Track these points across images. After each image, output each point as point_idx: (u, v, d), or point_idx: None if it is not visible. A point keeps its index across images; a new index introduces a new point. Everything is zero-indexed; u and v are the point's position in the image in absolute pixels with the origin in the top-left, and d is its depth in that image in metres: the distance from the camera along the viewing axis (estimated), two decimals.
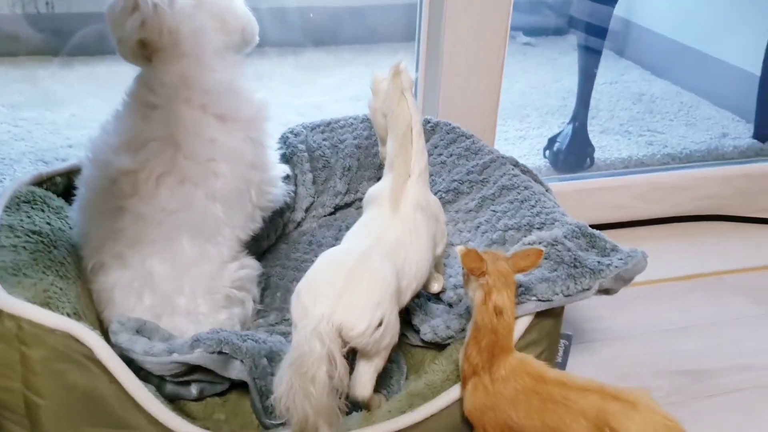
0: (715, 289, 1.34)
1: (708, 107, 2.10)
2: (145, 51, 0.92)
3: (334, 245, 1.13)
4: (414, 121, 0.90)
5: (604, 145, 1.88)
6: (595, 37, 1.80)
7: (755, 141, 1.88)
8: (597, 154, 1.79)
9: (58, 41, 2.14)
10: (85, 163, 0.96)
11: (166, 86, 0.92)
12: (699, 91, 2.18)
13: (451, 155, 1.16)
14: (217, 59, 0.95)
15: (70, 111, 1.94)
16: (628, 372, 1.12)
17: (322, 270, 0.78)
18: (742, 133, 1.93)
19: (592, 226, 0.98)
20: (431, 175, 1.16)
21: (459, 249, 0.76)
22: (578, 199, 1.48)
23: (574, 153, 1.76)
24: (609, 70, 2.36)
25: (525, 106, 2.14)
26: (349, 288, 0.75)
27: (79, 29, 2.11)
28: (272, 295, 1.09)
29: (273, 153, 1.05)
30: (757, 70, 1.88)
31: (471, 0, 1.27)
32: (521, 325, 0.85)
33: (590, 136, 1.80)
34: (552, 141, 1.80)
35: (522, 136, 1.95)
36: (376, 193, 0.90)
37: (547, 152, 1.80)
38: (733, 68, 2.06)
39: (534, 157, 1.81)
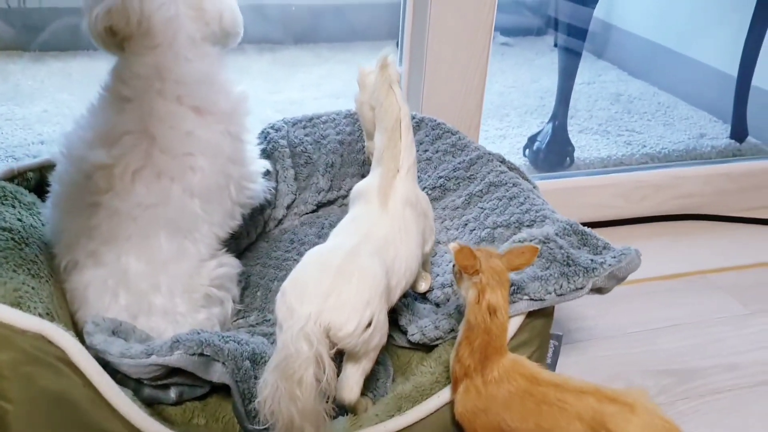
0: (699, 288, 1.34)
1: (685, 107, 2.12)
2: (115, 39, 0.90)
3: (316, 243, 1.10)
4: (403, 113, 0.87)
5: (583, 144, 1.89)
6: (574, 38, 1.80)
7: (733, 141, 1.89)
8: (576, 154, 1.79)
9: (29, 36, 2.10)
10: (58, 159, 0.92)
11: (139, 77, 0.89)
12: (676, 91, 2.20)
13: (437, 151, 1.14)
14: (192, 49, 0.91)
15: (41, 106, 1.90)
16: (616, 372, 1.10)
17: (308, 268, 0.75)
18: (719, 133, 1.94)
19: None
20: (417, 171, 1.14)
21: (452, 246, 0.74)
22: (560, 197, 1.47)
23: (554, 152, 1.76)
24: (586, 70, 2.37)
25: (504, 105, 2.13)
26: (337, 287, 0.72)
27: (51, 24, 2.06)
28: (252, 295, 1.06)
29: (252, 148, 1.02)
30: (733, 71, 1.90)
31: None
32: (513, 324, 0.83)
33: (569, 135, 1.79)
34: (532, 140, 1.80)
35: (502, 135, 1.95)
36: (364, 188, 0.87)
37: (527, 151, 1.80)
38: (710, 69, 2.08)
39: (514, 156, 1.81)
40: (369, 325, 0.73)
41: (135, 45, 0.90)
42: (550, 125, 1.77)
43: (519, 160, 1.78)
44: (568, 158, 1.77)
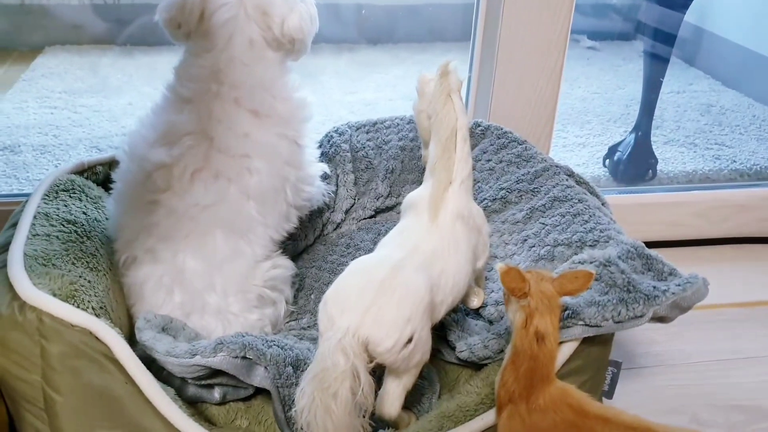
0: None
1: None
2: (180, 31, 0.92)
3: (372, 249, 1.10)
4: (459, 124, 0.85)
5: (668, 157, 1.81)
6: (662, 44, 1.72)
7: None
8: (660, 166, 1.71)
9: (121, 30, 2.19)
10: (121, 156, 0.95)
11: (195, 79, 0.91)
12: None
13: (500, 161, 1.10)
14: (249, 53, 0.91)
15: (127, 99, 1.97)
16: (680, 403, 1.04)
17: (352, 279, 0.74)
18: None
19: (650, 243, 0.91)
20: (477, 181, 1.11)
21: (499, 267, 0.71)
22: (637, 213, 1.41)
23: (635, 164, 1.69)
24: (676, 78, 2.27)
25: (586, 112, 2.08)
26: (378, 300, 0.71)
27: (139, 19, 2.15)
28: (306, 297, 1.05)
29: (310, 152, 1.02)
30: None
31: (530, 1, 1.21)
32: (566, 350, 0.79)
33: (653, 146, 1.72)
34: (613, 150, 1.73)
35: (582, 143, 1.89)
36: (416, 199, 0.85)
37: (607, 161, 1.74)
38: None
39: (593, 166, 1.75)
40: (409, 341, 0.71)
41: (194, 45, 0.92)
42: (633, 136, 1.71)
43: (599, 170, 1.73)
44: (650, 171, 1.70)
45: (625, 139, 1.73)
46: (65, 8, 2.18)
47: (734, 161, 1.77)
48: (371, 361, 0.71)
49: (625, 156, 1.69)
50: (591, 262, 0.85)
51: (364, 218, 1.19)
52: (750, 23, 2.19)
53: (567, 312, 0.79)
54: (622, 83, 2.26)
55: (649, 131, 1.71)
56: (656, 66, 1.72)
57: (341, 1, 2.29)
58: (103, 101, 1.95)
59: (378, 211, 1.19)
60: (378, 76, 2.25)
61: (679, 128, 1.98)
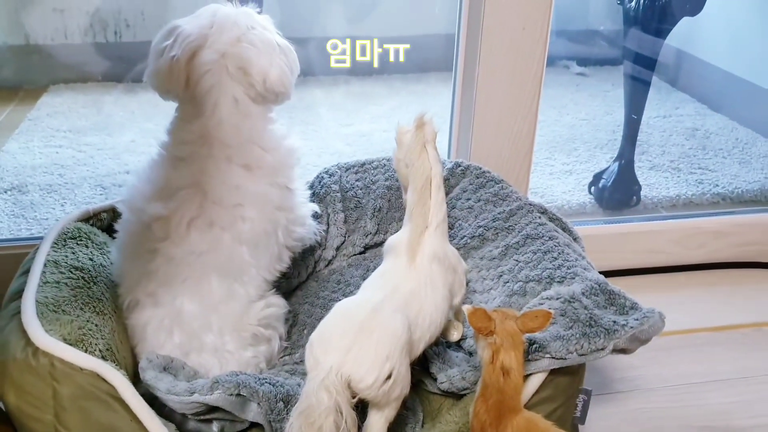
0: (752, 342, 1.30)
1: (765, 144, 2.05)
2: (169, 95, 0.99)
3: (360, 285, 1.17)
4: (434, 173, 0.91)
5: (653, 182, 1.86)
6: (643, 69, 1.77)
7: None
8: (644, 192, 1.76)
9: (124, 68, 2.25)
10: (122, 208, 1.02)
11: (188, 143, 0.97)
12: (756, 126, 2.12)
13: (478, 200, 1.17)
14: (236, 113, 0.97)
15: (130, 136, 2.02)
16: (652, 426, 1.09)
17: (334, 321, 0.80)
18: None
19: (629, 271, 0.97)
20: (458, 219, 1.17)
21: (466, 308, 0.77)
22: (615, 242, 1.46)
23: (619, 191, 1.75)
24: (663, 103, 2.32)
25: (573, 139, 2.12)
26: (358, 341, 0.77)
27: (144, 57, 2.21)
28: (299, 332, 1.11)
29: (300, 194, 1.08)
30: None
31: (505, 41, 1.28)
32: (535, 381, 0.85)
33: (639, 171, 1.78)
34: (598, 177, 1.79)
35: (568, 171, 1.94)
36: (395, 243, 0.92)
37: (593, 188, 1.79)
38: None
39: (579, 193, 1.80)
40: (389, 378, 0.77)
41: (183, 109, 0.98)
42: (617, 164, 1.76)
43: (584, 197, 1.78)
44: (634, 197, 1.75)
45: (609, 166, 1.79)
46: (69, 47, 2.23)
47: (716, 185, 1.83)
48: (354, 397, 0.77)
49: (609, 183, 1.74)
50: (557, 298, 0.91)
51: (354, 254, 1.25)
52: (733, 48, 2.24)
53: (534, 346, 0.85)
54: (610, 109, 2.31)
55: (632, 159, 1.76)
56: (638, 92, 1.77)
57: (338, 34, 2.35)
58: (106, 139, 2.00)
59: (367, 248, 1.26)
60: (373, 108, 2.30)
61: (664, 153, 2.03)
